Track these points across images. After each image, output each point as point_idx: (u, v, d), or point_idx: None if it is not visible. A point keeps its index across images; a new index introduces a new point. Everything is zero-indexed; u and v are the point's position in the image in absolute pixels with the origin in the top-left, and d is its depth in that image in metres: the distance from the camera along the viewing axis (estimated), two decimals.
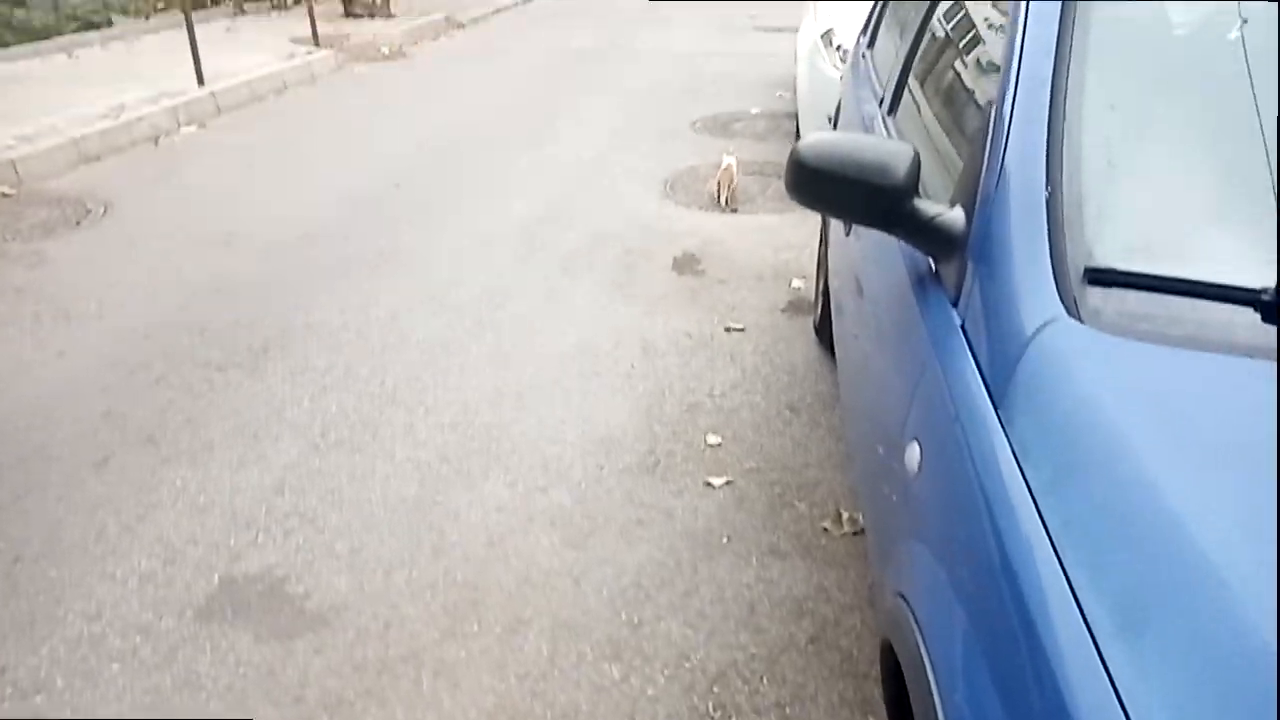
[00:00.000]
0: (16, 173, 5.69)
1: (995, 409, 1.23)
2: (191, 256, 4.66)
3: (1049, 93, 1.54)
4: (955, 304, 1.47)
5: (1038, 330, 1.25)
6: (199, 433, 3.12)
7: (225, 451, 3.01)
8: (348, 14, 11.66)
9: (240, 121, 7.40)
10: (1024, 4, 1.70)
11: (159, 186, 5.77)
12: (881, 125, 2.41)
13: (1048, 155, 1.46)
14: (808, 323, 3.89)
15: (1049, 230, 1.37)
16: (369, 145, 6.71)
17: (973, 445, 1.24)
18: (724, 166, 5.58)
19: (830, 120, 5.17)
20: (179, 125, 7.07)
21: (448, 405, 3.31)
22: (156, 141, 6.73)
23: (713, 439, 3.08)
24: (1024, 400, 1.21)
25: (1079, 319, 1.25)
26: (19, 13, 9.79)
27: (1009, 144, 1.51)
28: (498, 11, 13.66)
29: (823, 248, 3.84)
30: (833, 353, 3.56)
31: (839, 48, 5.15)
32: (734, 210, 5.33)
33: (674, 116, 7.38)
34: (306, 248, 4.78)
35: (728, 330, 3.85)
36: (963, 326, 1.42)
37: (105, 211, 5.30)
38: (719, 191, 5.51)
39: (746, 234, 4.95)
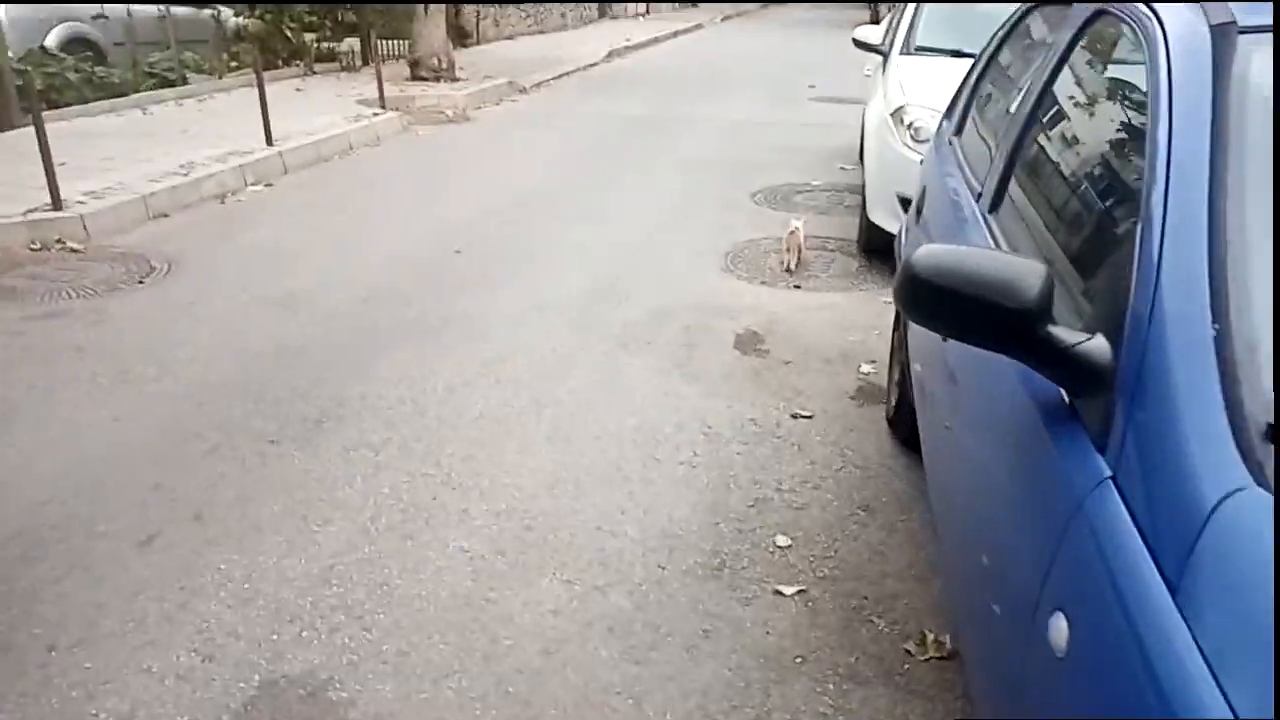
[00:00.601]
0: (85, 229, 5.73)
1: (1171, 594, 1.03)
2: (252, 318, 4.59)
3: (1206, 203, 1.36)
4: (1102, 450, 1.28)
5: (1220, 501, 1.06)
6: (248, 512, 2.99)
7: (273, 535, 2.87)
8: (414, 77, 11.84)
9: (306, 181, 7.44)
10: (1166, 96, 1.52)
11: (223, 245, 5.77)
12: (982, 225, 2.22)
13: (1211, 280, 1.27)
14: (879, 412, 3.69)
15: (1220, 373, 1.18)
16: (430, 209, 6.68)
17: (1146, 641, 1.03)
18: (791, 230, 5.46)
19: (902, 203, 5.01)
20: (246, 184, 7.12)
21: (503, 489, 3.15)
22: (223, 199, 6.78)
23: (782, 540, 2.88)
24: (1212, 593, 1.00)
25: (1269, 489, 1.05)
26: (100, 69, 10.06)
27: (1162, 265, 1.32)
28: (560, 77, 13.82)
29: (897, 334, 3.65)
30: (909, 447, 3.36)
31: (910, 125, 5.01)
32: (798, 286, 5.17)
33: (733, 187, 7.28)
34: (366, 312, 4.70)
35: (794, 417, 3.66)
36: (1115, 479, 1.22)
37: (169, 270, 5.28)
38: (785, 255, 5.39)
39: (811, 312, 4.78)
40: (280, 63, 12.15)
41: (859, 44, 6.23)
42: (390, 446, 3.41)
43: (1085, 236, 1.75)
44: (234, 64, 11.83)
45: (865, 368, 4.10)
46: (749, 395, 3.85)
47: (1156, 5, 1.73)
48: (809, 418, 3.66)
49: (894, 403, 3.44)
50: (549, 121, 10.32)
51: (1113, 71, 2.01)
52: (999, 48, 2.86)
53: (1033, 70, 2.19)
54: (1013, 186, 2.13)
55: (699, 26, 23.95)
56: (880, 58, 6.08)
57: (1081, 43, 2.08)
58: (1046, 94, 2.12)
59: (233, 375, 3.97)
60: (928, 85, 5.24)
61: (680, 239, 6.01)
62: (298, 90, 10.85)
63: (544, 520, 2.97)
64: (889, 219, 5.15)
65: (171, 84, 10.54)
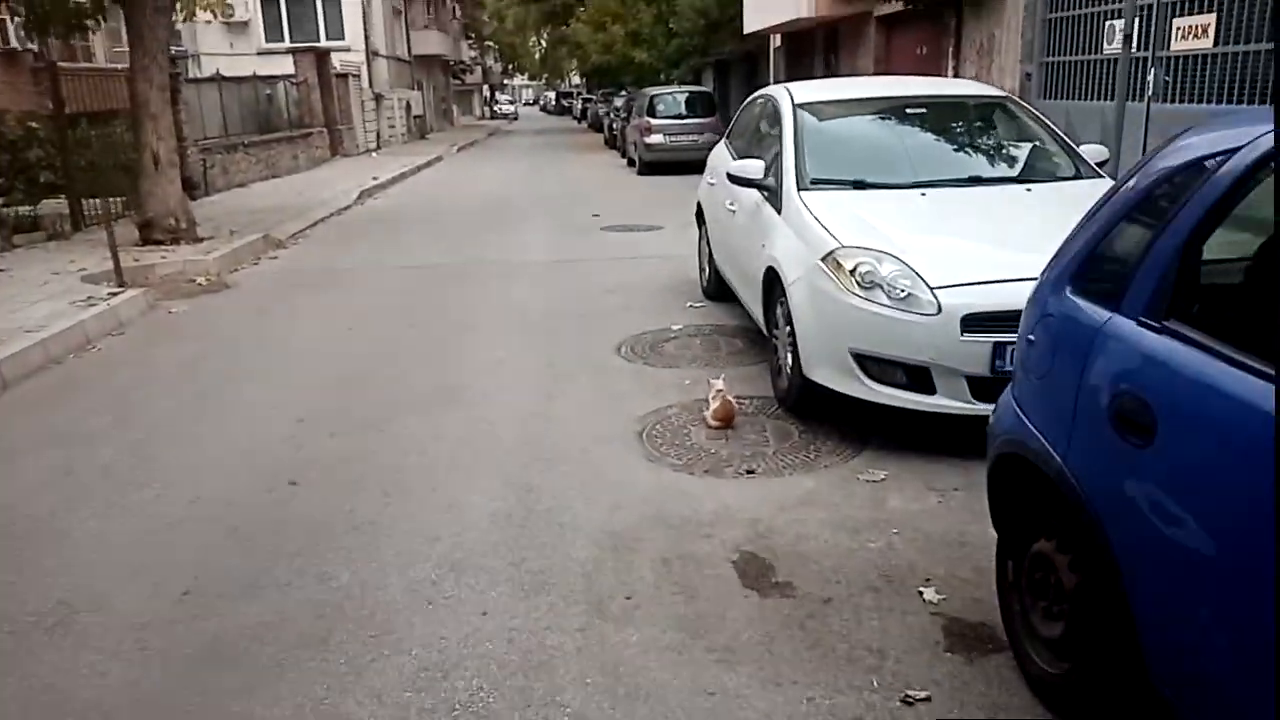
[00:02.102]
0: None
1: None
2: (9, 665, 2.88)
3: None
4: None
5: None
6: None
7: None
8: (145, 240, 9.88)
9: (37, 398, 5.53)
10: None
11: None
12: None
13: None
14: (1003, 669, 2.68)
15: None
16: (226, 420, 5.06)
17: None
18: (716, 391, 4.69)
19: (858, 359, 4.18)
20: None
21: None
22: None
23: None
24: None
25: None
26: None
27: None
28: (315, 225, 12.29)
29: (1012, 565, 2.70)
30: None
31: (855, 271, 4.20)
32: (750, 471, 4.15)
33: (590, 342, 6.23)
34: (196, 619, 3.11)
35: (908, 703, 2.58)
36: None
37: None
38: (712, 423, 4.64)
39: (796, 511, 3.76)
40: None
41: (738, 180, 5.44)
42: None
43: None
44: None
45: (930, 595, 3.10)
46: (822, 674, 2.72)
47: None
48: (927, 699, 2.59)
49: (1065, 677, 2.44)
50: (329, 280, 8.82)
51: None
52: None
53: None
54: None
55: (439, 159, 23.12)
56: (759, 193, 5.33)
57: None
58: None
59: None
60: (853, 224, 4.50)
61: (571, 419, 4.85)
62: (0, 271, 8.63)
63: None
64: (840, 378, 4.30)
65: None
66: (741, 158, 6.22)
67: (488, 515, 3.79)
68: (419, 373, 5.77)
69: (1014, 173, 5.03)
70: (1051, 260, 2.63)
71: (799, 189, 4.94)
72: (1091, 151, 5.20)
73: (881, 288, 4.15)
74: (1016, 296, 3.98)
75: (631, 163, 19.24)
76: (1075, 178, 4.96)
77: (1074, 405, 2.25)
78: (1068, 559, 2.36)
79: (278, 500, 4.01)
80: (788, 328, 4.68)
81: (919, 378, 4.10)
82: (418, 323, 7.05)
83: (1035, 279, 3.96)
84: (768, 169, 5.28)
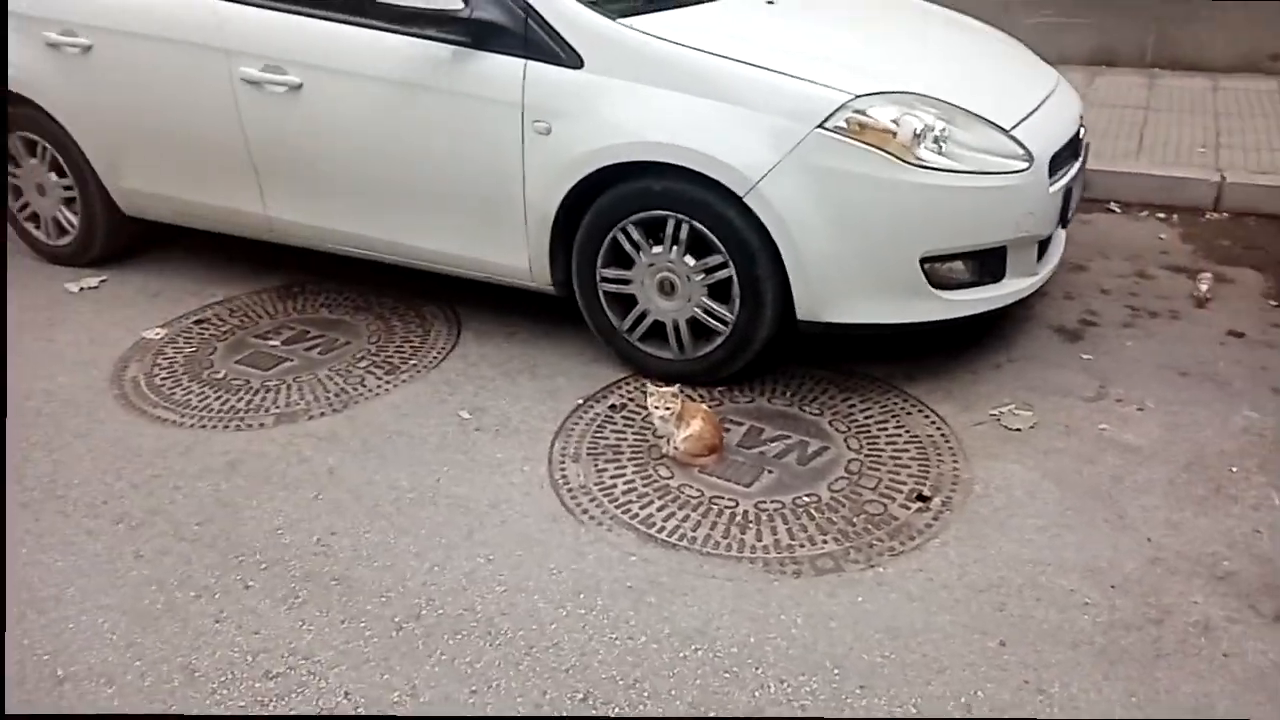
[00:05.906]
0: None
1: None
2: None
3: None
4: None
5: None
6: None
7: None
8: None
9: None
10: None
11: None
12: None
13: None
14: None
15: None
16: None
17: None
18: (679, 414, 2.53)
19: (930, 262, 2.54)
20: None
21: None
22: None
23: None
24: None
25: None
26: None
27: None
28: None
29: None
30: None
31: (899, 130, 2.37)
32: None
33: (76, 426, 2.58)
34: None
35: None
36: None
37: None
38: (705, 458, 2.51)
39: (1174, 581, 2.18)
40: None
41: (407, 14, 2.41)
42: None
43: None
44: None
45: None
46: None
47: None
48: None
49: None
50: None
51: None
52: None
53: None
54: None
55: None
56: (443, 45, 2.57)
57: None
58: None
59: None
60: (804, 59, 2.51)
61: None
62: None
63: None
64: (891, 304, 2.59)
65: None
66: None
67: None
68: None
69: None
70: None
71: (608, 16, 2.54)
72: None
73: (934, 148, 2.49)
74: (1057, 123, 2.87)
75: None
76: None
77: None
78: None
79: None
80: (712, 258, 2.55)
81: (990, 263, 2.69)
82: None
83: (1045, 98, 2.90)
84: None
